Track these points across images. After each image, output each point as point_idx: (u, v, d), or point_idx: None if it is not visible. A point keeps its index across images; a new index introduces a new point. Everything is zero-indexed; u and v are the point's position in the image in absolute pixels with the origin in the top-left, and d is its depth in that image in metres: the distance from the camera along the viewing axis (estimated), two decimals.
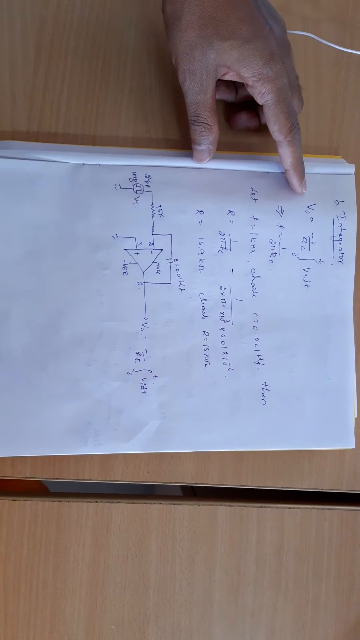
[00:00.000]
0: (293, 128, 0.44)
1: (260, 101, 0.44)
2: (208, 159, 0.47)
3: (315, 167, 0.48)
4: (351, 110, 0.52)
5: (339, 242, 0.48)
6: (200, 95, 0.44)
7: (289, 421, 0.47)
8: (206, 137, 0.45)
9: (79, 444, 0.45)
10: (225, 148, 0.50)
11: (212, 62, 0.42)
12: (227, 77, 0.44)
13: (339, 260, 0.48)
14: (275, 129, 0.44)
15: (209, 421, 0.46)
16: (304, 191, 0.47)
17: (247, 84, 0.43)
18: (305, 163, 0.48)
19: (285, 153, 0.45)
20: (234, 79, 0.44)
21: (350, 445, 0.47)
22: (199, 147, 0.46)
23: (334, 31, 0.52)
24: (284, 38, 0.45)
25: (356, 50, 0.51)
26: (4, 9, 0.49)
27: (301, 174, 0.47)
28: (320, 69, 0.52)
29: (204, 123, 0.45)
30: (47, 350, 0.45)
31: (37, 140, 0.48)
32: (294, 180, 0.47)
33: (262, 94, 0.43)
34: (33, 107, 0.48)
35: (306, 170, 0.48)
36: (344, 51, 0.51)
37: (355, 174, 0.49)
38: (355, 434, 0.48)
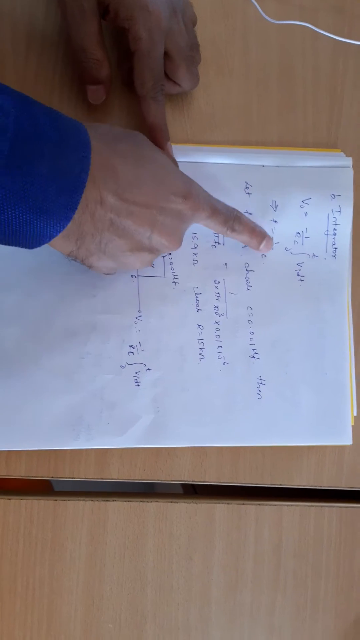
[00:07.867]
0: (157, 85, 0.42)
1: (132, 46, 0.42)
2: (104, 97, 0.45)
3: (312, 160, 0.48)
4: (350, 101, 0.51)
5: (333, 236, 0.48)
6: (83, 26, 0.41)
7: (285, 416, 0.46)
8: (98, 73, 0.43)
9: (71, 438, 0.44)
10: (220, 142, 0.49)
11: None
12: (108, 20, 0.42)
13: (332, 255, 0.48)
14: (139, 82, 0.42)
15: (203, 415, 0.46)
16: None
17: (124, 27, 0.41)
18: (302, 156, 0.47)
19: (148, 109, 0.44)
20: (115, 23, 0.42)
21: (348, 441, 0.47)
22: (92, 87, 0.44)
23: (332, 21, 0.51)
24: None
25: (354, 40, 0.50)
26: None
27: (165, 132, 0.45)
28: (318, 59, 0.51)
29: (92, 58, 0.42)
30: (40, 343, 0.44)
31: None
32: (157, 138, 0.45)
33: (134, 39, 0.41)
34: None
35: (303, 164, 0.47)
36: (342, 41, 0.50)
37: (353, 166, 0.48)
38: (355, 431, 0.47)
